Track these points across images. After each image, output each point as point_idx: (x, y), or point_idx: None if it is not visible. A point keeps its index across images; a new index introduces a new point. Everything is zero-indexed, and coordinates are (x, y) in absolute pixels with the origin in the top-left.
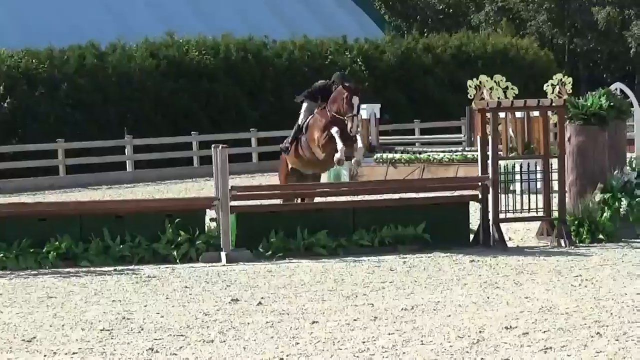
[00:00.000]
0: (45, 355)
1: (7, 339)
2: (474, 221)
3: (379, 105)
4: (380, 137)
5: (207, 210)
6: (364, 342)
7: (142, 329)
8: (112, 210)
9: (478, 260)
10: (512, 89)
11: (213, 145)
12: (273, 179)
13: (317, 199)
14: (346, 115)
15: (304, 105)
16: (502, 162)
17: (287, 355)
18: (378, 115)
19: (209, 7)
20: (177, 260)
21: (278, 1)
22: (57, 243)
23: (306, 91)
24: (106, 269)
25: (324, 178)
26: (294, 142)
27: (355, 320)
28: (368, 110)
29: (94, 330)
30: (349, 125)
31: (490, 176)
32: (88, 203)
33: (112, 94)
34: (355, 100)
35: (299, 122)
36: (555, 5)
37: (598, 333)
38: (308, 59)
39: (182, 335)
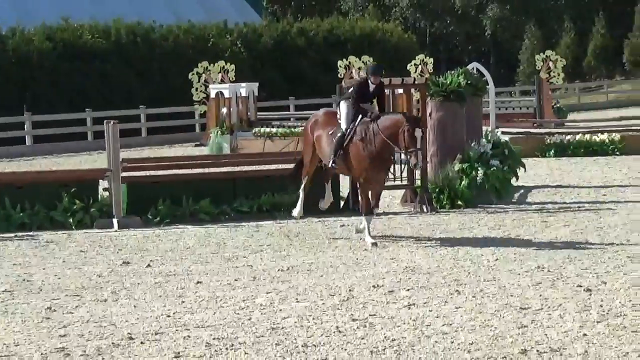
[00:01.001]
0: None
1: None
2: (344, 189)
3: (257, 84)
4: (259, 113)
5: (100, 180)
6: (244, 301)
7: (41, 290)
8: (12, 181)
9: (348, 225)
10: None
11: (105, 121)
12: (160, 151)
13: (200, 170)
14: (408, 150)
15: (343, 107)
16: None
17: (174, 313)
18: (256, 93)
19: None
20: (73, 227)
21: None
22: None
23: (346, 93)
24: (7, 235)
25: (207, 150)
26: (338, 153)
27: (235, 280)
28: (247, 89)
29: None
30: (413, 161)
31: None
32: None
33: (13, 75)
34: (418, 133)
35: (343, 129)
36: None
37: (457, 290)
38: (192, 41)
39: (77, 295)
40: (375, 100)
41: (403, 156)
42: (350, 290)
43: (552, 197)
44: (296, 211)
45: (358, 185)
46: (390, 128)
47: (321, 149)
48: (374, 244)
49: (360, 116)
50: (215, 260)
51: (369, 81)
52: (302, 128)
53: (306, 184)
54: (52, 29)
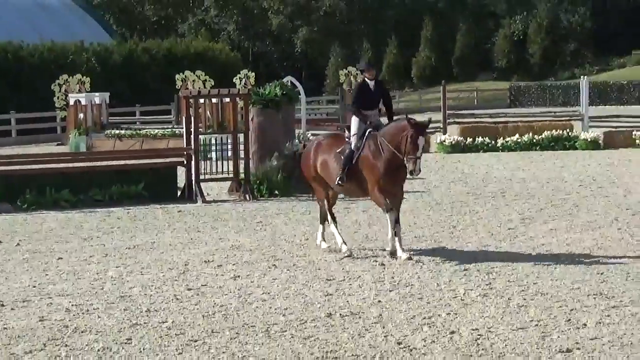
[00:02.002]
0: None
1: None
2: (181, 181)
3: (108, 94)
4: (110, 118)
5: None
6: (97, 273)
7: None
8: None
9: (184, 211)
10: (209, 81)
11: None
12: (28, 149)
13: (61, 165)
14: (408, 156)
15: (354, 123)
16: (201, 137)
17: (39, 284)
18: (108, 101)
19: None
20: None
21: (30, 13)
22: None
23: (352, 103)
24: None
25: (68, 148)
26: (345, 170)
27: (90, 256)
28: (100, 98)
29: None
30: (410, 167)
31: (193, 147)
32: None
33: None
34: (421, 141)
35: (352, 146)
36: (240, 17)
37: (274, 265)
38: (54, 58)
39: None
40: (381, 102)
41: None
42: (185, 264)
43: None
44: (344, 247)
45: (380, 203)
46: (395, 136)
47: (328, 170)
48: (409, 258)
49: (369, 130)
50: (74, 240)
51: (366, 79)
52: (147, 130)
53: (329, 209)
54: None
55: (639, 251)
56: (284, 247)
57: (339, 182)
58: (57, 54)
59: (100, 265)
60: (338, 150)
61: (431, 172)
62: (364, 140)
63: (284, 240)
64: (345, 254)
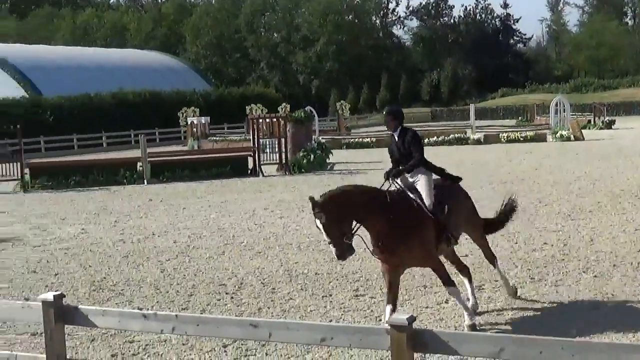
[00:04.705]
0: None
1: None
2: (250, 165)
3: (208, 117)
4: (210, 130)
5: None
6: (205, 216)
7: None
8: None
9: (252, 181)
10: (263, 109)
11: (140, 135)
12: (166, 148)
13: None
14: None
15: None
16: (262, 140)
17: (172, 222)
18: (209, 121)
19: None
20: (126, 184)
21: (164, 72)
22: None
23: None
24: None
25: (188, 147)
26: None
27: (201, 207)
28: (204, 119)
29: None
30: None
31: (257, 145)
32: None
33: None
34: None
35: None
36: (281, 73)
37: (302, 210)
38: (179, 98)
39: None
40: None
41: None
42: (253, 210)
43: (345, 167)
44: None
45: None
46: None
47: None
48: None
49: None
50: (192, 198)
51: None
52: (230, 137)
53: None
54: None
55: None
56: (307, 200)
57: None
58: (180, 96)
59: (207, 212)
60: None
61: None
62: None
63: (307, 196)
64: None
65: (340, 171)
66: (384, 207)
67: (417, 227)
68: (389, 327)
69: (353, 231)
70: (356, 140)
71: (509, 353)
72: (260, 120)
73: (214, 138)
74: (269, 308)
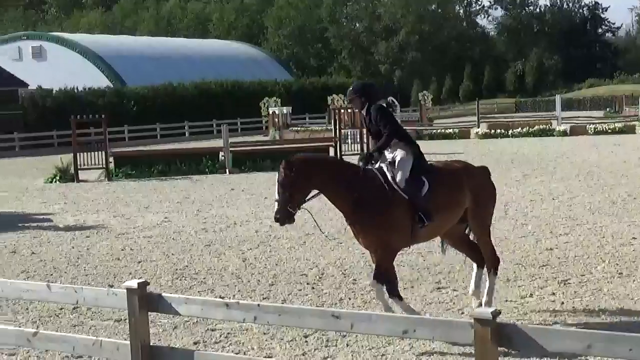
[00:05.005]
0: None
1: None
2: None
3: (290, 107)
4: (292, 120)
5: (220, 152)
6: None
7: (194, 201)
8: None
9: None
10: (345, 100)
11: (223, 125)
12: (247, 138)
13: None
14: None
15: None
16: (344, 131)
17: (254, 211)
18: (290, 112)
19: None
20: (208, 173)
21: (247, 64)
22: None
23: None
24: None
25: (270, 137)
26: None
27: None
28: (286, 110)
29: None
30: None
31: (338, 136)
32: None
33: None
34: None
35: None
36: (362, 64)
37: None
38: (261, 88)
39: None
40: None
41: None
42: None
43: (427, 158)
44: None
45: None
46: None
47: None
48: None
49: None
50: (273, 187)
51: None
52: (312, 127)
53: None
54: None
55: (590, 192)
56: None
57: None
58: (262, 86)
59: None
60: None
61: (471, 149)
62: None
63: None
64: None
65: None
66: (351, 183)
67: (383, 209)
68: (473, 320)
69: (305, 200)
70: (438, 131)
71: (597, 350)
72: (342, 111)
73: (295, 128)
74: (349, 299)
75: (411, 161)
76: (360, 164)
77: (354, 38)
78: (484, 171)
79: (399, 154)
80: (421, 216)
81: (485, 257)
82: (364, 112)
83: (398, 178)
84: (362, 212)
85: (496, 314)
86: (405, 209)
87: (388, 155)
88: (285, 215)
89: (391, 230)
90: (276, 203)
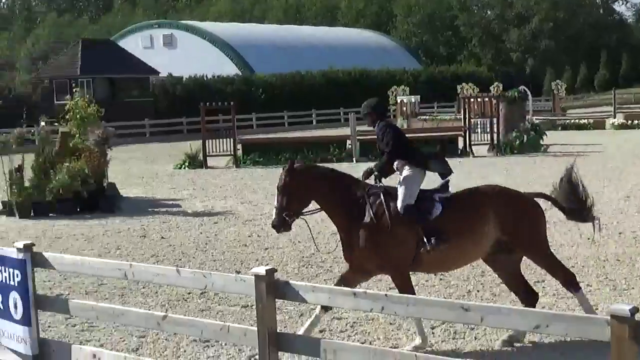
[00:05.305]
0: None
1: None
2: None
3: (418, 96)
4: (421, 109)
5: (347, 140)
6: None
7: None
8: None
9: (462, 162)
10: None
11: (350, 114)
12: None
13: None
14: None
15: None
16: (473, 120)
17: None
18: (418, 100)
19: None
20: (335, 160)
21: (376, 52)
22: None
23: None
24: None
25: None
26: None
27: None
28: (414, 98)
29: None
30: None
31: (467, 125)
32: None
33: None
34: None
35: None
36: (494, 52)
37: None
38: (390, 77)
39: None
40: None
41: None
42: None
43: (560, 149)
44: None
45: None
46: None
47: None
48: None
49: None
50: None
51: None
52: (440, 116)
53: None
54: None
55: None
56: (519, 183)
57: None
58: (390, 74)
59: None
60: None
61: (606, 140)
62: None
63: (519, 179)
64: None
65: (554, 153)
66: (350, 200)
67: (377, 230)
68: (609, 317)
69: (303, 213)
70: (572, 121)
71: None
72: (472, 100)
73: (424, 117)
74: (478, 291)
75: (418, 182)
76: (362, 177)
77: (484, 26)
78: (520, 197)
79: (404, 174)
80: (424, 240)
81: (559, 279)
82: (375, 128)
83: (399, 199)
84: (356, 231)
85: (635, 311)
86: (403, 232)
87: (399, 175)
88: (280, 223)
89: (388, 252)
90: (274, 211)
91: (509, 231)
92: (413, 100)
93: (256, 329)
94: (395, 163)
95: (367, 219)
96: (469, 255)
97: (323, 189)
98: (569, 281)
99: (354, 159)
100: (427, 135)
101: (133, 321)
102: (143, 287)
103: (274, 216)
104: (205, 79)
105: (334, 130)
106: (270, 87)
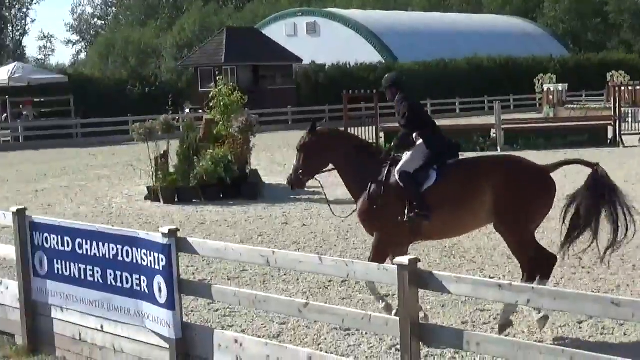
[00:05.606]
0: None
1: None
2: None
3: (566, 85)
4: (568, 98)
5: (492, 129)
6: None
7: None
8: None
9: (610, 152)
10: (626, 76)
11: (495, 102)
12: (518, 116)
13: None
14: None
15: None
16: (624, 109)
17: None
18: (566, 89)
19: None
20: (486, 149)
21: (521, 38)
22: None
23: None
24: None
25: (544, 115)
26: None
27: None
28: (562, 87)
29: None
30: None
31: (618, 114)
32: None
33: None
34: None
35: None
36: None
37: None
38: (535, 65)
39: None
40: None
41: None
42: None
43: None
44: None
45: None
46: None
47: None
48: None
49: None
50: None
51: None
52: (589, 104)
53: None
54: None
55: None
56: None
57: None
58: (536, 62)
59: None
60: None
61: None
62: None
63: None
64: None
65: None
66: (362, 166)
67: (374, 196)
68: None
69: (319, 172)
70: None
71: None
72: (622, 88)
73: (571, 106)
74: (627, 285)
75: (423, 153)
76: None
77: (636, 12)
78: (528, 167)
79: (418, 141)
80: (417, 210)
81: (523, 270)
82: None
83: (397, 167)
84: (360, 195)
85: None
86: (397, 200)
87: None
88: (295, 180)
89: (379, 219)
90: (292, 168)
91: (502, 200)
92: (560, 88)
93: (397, 319)
94: (414, 134)
95: (370, 186)
96: (466, 224)
97: (340, 153)
98: (530, 277)
99: (498, 147)
100: (573, 124)
101: (274, 308)
102: (284, 274)
103: (290, 174)
104: (347, 66)
105: (478, 119)
106: (414, 74)
